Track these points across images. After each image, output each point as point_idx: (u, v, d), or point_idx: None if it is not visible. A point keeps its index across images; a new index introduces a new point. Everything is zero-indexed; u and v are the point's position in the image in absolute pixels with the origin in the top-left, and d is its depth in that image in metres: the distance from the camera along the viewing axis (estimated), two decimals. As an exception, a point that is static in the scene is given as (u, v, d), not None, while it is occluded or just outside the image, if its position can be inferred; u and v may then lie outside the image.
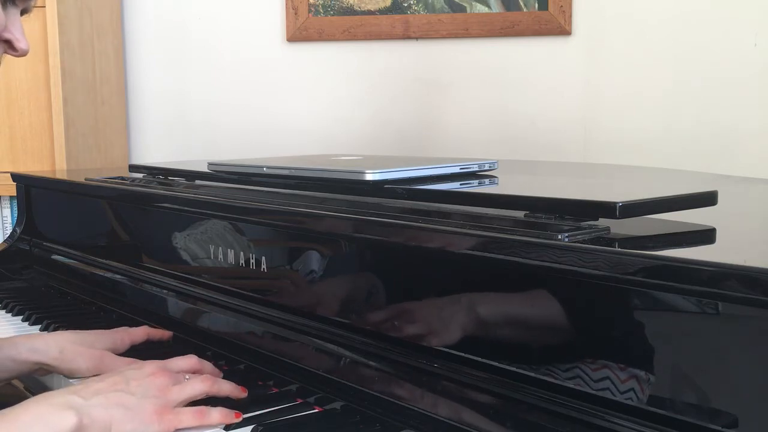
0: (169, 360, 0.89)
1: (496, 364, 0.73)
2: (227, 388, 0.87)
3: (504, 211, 0.81)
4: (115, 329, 1.07)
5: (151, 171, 1.41)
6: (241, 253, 1.02)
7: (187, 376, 0.87)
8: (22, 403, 0.75)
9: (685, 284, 0.59)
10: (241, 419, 0.82)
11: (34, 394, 0.79)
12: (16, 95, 1.90)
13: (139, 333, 1.07)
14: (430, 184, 0.98)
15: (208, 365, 0.93)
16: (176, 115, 2.27)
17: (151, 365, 0.86)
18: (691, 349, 0.61)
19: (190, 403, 0.84)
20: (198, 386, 0.85)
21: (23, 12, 0.91)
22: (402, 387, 0.79)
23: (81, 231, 1.48)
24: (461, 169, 1.06)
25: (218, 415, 0.82)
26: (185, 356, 0.91)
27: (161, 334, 1.10)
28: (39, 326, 1.22)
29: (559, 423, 0.67)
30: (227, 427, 0.81)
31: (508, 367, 0.72)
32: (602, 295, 0.65)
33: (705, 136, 1.96)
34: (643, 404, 0.63)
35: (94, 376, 0.95)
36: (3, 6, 0.86)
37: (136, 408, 0.79)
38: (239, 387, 0.88)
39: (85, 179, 1.42)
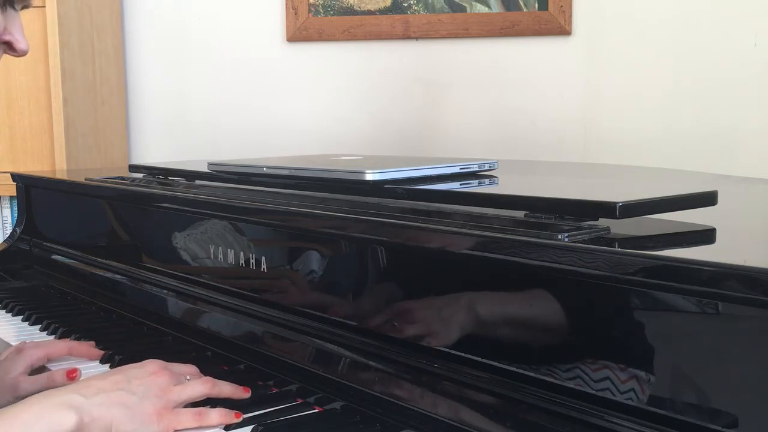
0: (170, 363, 0.89)
1: (496, 364, 0.73)
2: (228, 390, 0.87)
3: (504, 211, 0.81)
4: (32, 343, 1.03)
5: (151, 171, 1.41)
6: (241, 253, 1.02)
7: (188, 377, 0.87)
8: (23, 401, 0.75)
9: (685, 284, 0.59)
10: (241, 419, 0.82)
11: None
12: (16, 95, 1.90)
13: (58, 348, 1.04)
14: (430, 184, 0.98)
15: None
16: (176, 115, 2.27)
17: (152, 364, 0.86)
18: (691, 349, 0.61)
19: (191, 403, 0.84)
20: (198, 388, 0.85)
21: (23, 7, 0.90)
22: (402, 387, 0.79)
23: (81, 231, 1.47)
24: (461, 169, 1.06)
25: (217, 415, 0.82)
26: (186, 364, 0.91)
27: (86, 350, 1.04)
28: (39, 326, 1.22)
29: (559, 423, 0.67)
30: (227, 427, 0.81)
31: (508, 367, 0.72)
32: (602, 295, 0.65)
33: (705, 136, 1.96)
34: (643, 404, 0.63)
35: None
36: (2, 8, 0.86)
37: (137, 408, 0.79)
38: (241, 387, 0.88)
39: (85, 179, 1.42)
